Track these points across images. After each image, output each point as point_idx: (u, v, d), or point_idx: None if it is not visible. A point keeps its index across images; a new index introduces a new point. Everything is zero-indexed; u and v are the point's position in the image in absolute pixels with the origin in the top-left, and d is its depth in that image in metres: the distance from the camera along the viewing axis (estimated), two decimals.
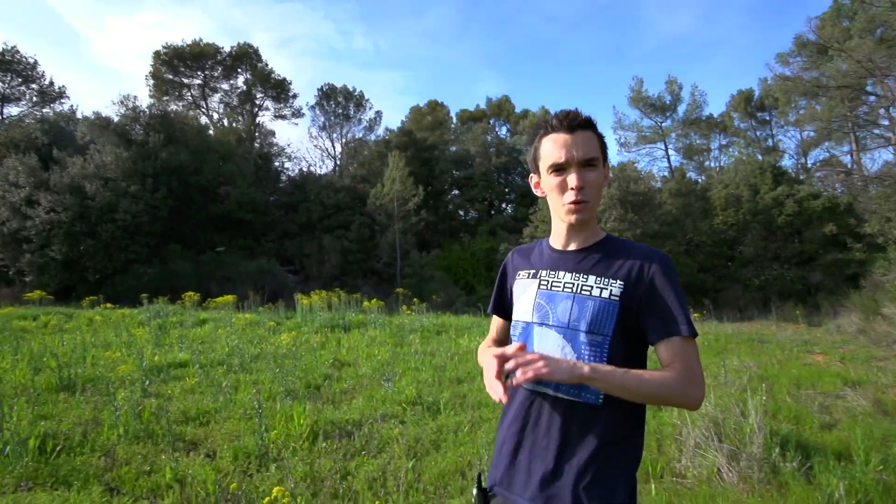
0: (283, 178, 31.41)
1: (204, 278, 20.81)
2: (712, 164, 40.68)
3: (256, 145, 33.62)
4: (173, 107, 30.73)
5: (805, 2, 56.35)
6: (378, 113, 40.29)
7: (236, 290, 17.66)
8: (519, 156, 35.28)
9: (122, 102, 23.59)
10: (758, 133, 40.95)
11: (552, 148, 1.26)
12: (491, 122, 43.92)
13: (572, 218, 1.27)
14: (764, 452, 3.48)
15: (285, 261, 25.68)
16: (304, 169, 34.18)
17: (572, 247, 1.32)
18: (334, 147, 37.91)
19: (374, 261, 25.60)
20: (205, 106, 35.17)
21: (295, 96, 36.37)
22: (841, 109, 32.22)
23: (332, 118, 37.43)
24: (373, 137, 36.82)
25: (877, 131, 33.77)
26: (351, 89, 37.59)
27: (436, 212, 30.22)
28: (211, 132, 30.24)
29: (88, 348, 7.41)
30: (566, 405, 1.22)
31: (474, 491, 1.34)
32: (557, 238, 1.36)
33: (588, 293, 1.22)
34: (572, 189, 1.23)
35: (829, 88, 31.68)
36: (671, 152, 38.65)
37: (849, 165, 35.97)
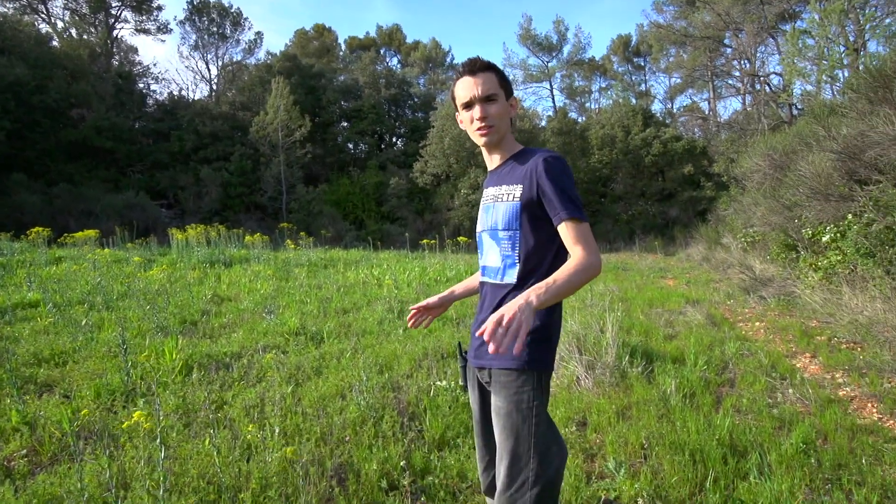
0: (150, 101, 28.18)
1: (60, 213, 18.52)
2: (593, 106, 42.80)
3: (115, 63, 29.57)
4: (1, 9, 25.83)
5: None
6: (258, 34, 36.93)
7: (100, 225, 15.97)
8: (410, 88, 34.51)
9: None
10: (633, 77, 43.55)
11: (460, 90, 1.57)
12: (381, 51, 42.22)
13: (482, 141, 1.58)
14: (616, 361, 3.96)
15: (157, 194, 23.52)
16: (175, 93, 30.85)
17: (495, 164, 1.64)
18: (209, 70, 34.50)
19: (257, 195, 24.28)
20: (44, 11, 29.94)
21: (160, 8, 32.11)
22: (703, 59, 35.09)
23: (206, 37, 33.70)
24: (253, 61, 33.89)
25: (730, 81, 37.40)
26: (227, 5, 33.91)
27: (324, 144, 29.04)
28: (56, 43, 25.99)
29: None
30: (499, 288, 1.55)
31: (458, 359, 1.74)
32: (487, 161, 1.69)
33: (501, 199, 1.55)
34: (477, 119, 1.54)
35: (695, 38, 34.22)
36: (556, 92, 39.93)
37: (706, 112, 39.77)
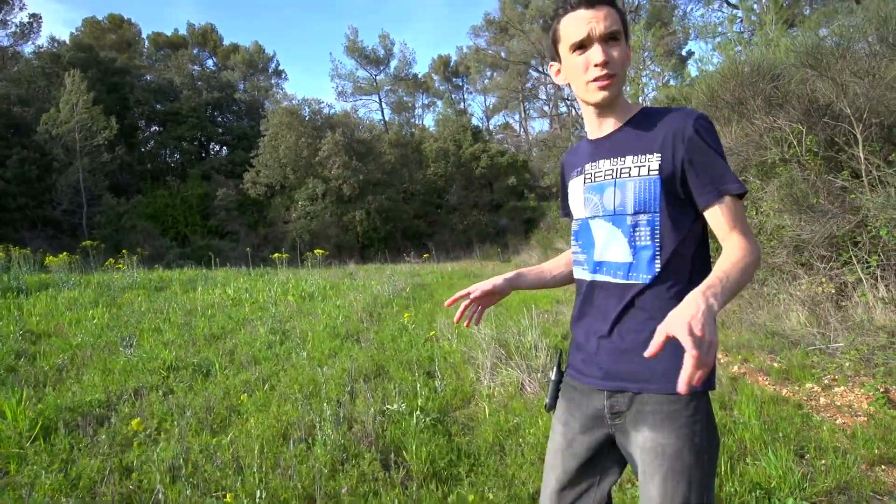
0: None
1: None
2: (417, 121, 44.20)
3: None
4: None
5: None
6: (35, 17, 30.71)
7: None
8: (233, 93, 31.99)
9: None
10: (454, 96, 46.09)
11: (573, 25, 1.19)
12: (195, 51, 38.43)
13: (599, 97, 1.19)
14: (548, 363, 3.95)
15: None
16: None
17: (606, 131, 1.27)
18: None
19: (47, 207, 20.13)
20: None
21: None
22: (516, 83, 38.68)
23: None
24: (29, 49, 28.24)
25: (538, 104, 41.80)
26: None
27: (132, 150, 25.33)
28: None
29: None
30: (619, 288, 1.21)
31: (553, 371, 1.37)
32: (591, 126, 1.31)
33: (627, 174, 1.19)
34: (596, 66, 1.16)
35: (509, 63, 37.56)
36: (384, 106, 40.45)
37: (518, 131, 43.85)
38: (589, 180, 1.28)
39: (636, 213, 1.18)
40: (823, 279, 4.82)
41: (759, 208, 5.79)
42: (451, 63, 44.15)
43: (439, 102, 43.50)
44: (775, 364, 4.15)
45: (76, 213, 20.17)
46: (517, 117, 44.74)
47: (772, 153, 5.53)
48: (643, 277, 1.18)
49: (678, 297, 1.12)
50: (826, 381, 3.67)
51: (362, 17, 72.95)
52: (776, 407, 3.21)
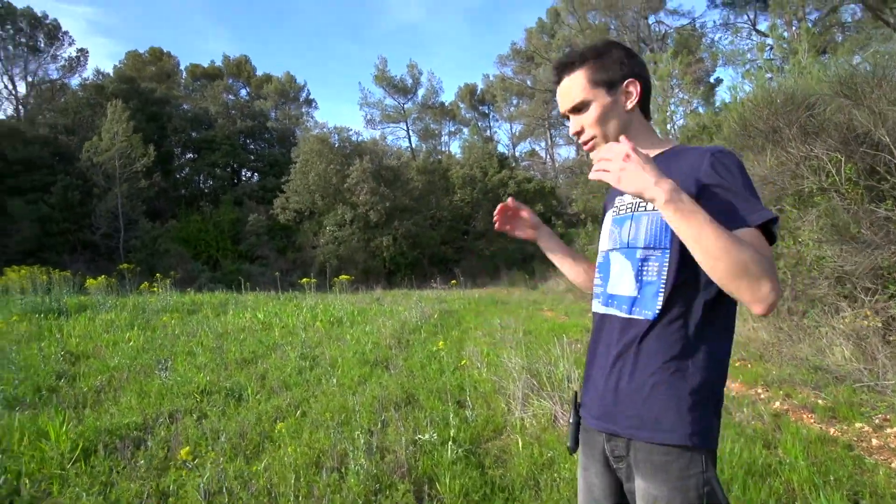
0: None
1: None
2: (444, 148, 44.72)
3: None
4: None
5: (510, 13, 66.03)
6: (82, 51, 32.43)
7: None
8: (265, 121, 32.97)
9: None
10: (480, 123, 46.59)
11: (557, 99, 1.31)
12: (230, 81, 39.88)
13: (591, 156, 1.26)
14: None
15: None
16: None
17: None
18: (15, 87, 29.40)
19: (87, 232, 20.87)
20: None
21: None
22: (542, 111, 38.98)
23: (12, 48, 28.86)
24: (76, 81, 29.71)
25: (564, 130, 41.90)
26: (40, 15, 29.53)
27: (168, 176, 26.20)
28: None
29: None
30: (624, 323, 1.18)
31: (572, 412, 1.34)
32: None
33: (644, 209, 1.19)
34: (573, 135, 1.29)
35: (535, 91, 37.92)
36: (411, 133, 41.12)
37: (545, 157, 44.03)
38: (615, 213, 1.29)
39: (646, 247, 1.16)
40: (868, 312, 4.65)
41: (797, 238, 5.65)
42: (478, 91, 44.77)
43: (465, 130, 44.03)
44: (820, 401, 3.98)
45: (114, 237, 20.85)
46: (543, 144, 44.90)
47: (809, 182, 5.42)
48: (646, 314, 1.14)
49: (681, 341, 1.10)
50: (877, 421, 3.51)
51: (391, 47, 74.88)
52: (824, 447, 3.07)
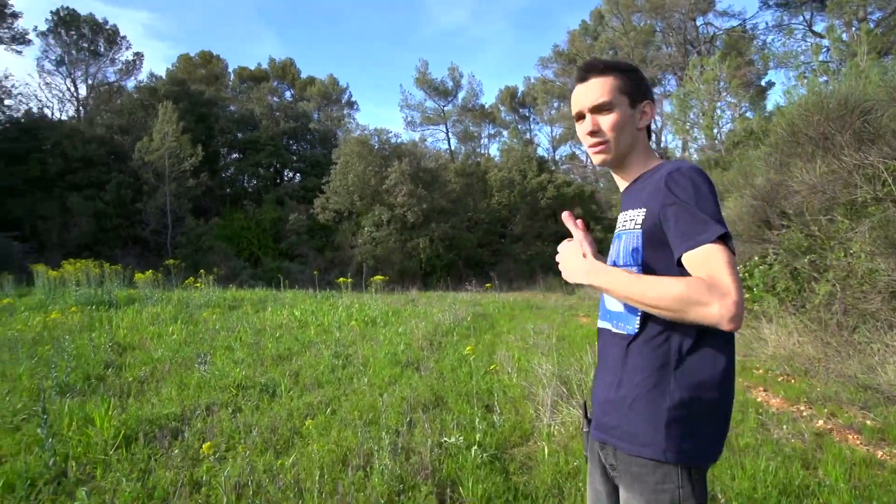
0: (2, 118, 24.51)
1: None
2: (483, 151, 44.64)
3: None
4: None
5: (553, 16, 65.47)
6: (138, 55, 33.93)
7: None
8: (308, 123, 33.68)
9: None
10: (520, 126, 46.30)
11: (573, 99, 1.33)
12: (275, 84, 40.95)
13: (597, 160, 1.32)
14: None
15: (7, 225, 20.19)
16: (35, 110, 27.22)
17: (622, 185, 1.36)
18: (76, 89, 30.97)
19: (138, 227, 21.81)
20: None
21: (15, 15, 28.48)
22: None
23: (75, 52, 30.41)
24: (131, 83, 31.09)
25: None
26: (101, 21, 31.01)
27: (214, 176, 27.10)
28: None
29: None
30: (615, 337, 1.24)
31: (583, 423, 1.39)
32: (616, 182, 1.41)
33: (624, 228, 1.27)
34: (587, 134, 1.30)
35: None
36: (450, 135, 41.23)
37: (585, 161, 43.39)
38: (616, 230, 1.35)
39: (624, 265, 1.22)
40: None
41: (847, 250, 5.40)
42: (518, 94, 44.51)
43: (505, 132, 43.83)
44: (868, 422, 3.79)
45: (162, 233, 21.71)
46: (583, 148, 44.27)
47: (862, 191, 5.17)
48: (628, 328, 1.20)
49: (663, 357, 1.14)
50: None
51: (433, 50, 75.37)
52: (869, 470, 2.92)
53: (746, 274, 7.48)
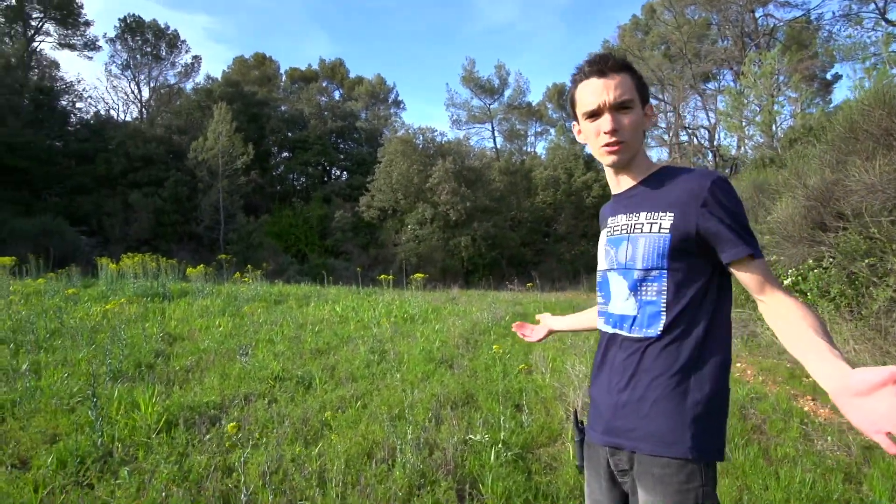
0: (74, 120, 26.15)
1: None
2: (529, 149, 44.20)
3: (33, 77, 27.37)
4: None
5: (604, 11, 64.08)
6: (196, 58, 35.49)
7: (6, 252, 14.30)
8: (355, 122, 34.30)
9: None
10: (567, 124, 45.47)
11: (587, 94, 1.27)
12: (324, 84, 41.91)
13: (609, 160, 1.28)
14: None
15: (77, 220, 21.55)
16: (103, 113, 28.89)
17: (624, 187, 1.33)
18: (140, 91, 32.68)
19: (193, 224, 22.84)
20: None
21: (88, 23, 30.32)
22: None
23: (139, 57, 32.10)
24: (189, 85, 32.55)
25: (657, 132, 40.10)
26: (163, 26, 32.58)
27: (264, 174, 28.03)
28: None
29: None
30: (628, 341, 1.23)
31: (575, 433, 1.39)
32: (611, 183, 1.38)
33: (640, 230, 1.23)
34: (605, 133, 1.24)
35: None
36: (496, 134, 41.01)
37: None
38: (609, 234, 1.34)
39: (644, 268, 1.20)
40: None
41: None
42: (566, 91, 43.78)
43: (552, 130, 43.23)
44: None
45: (214, 229, 22.65)
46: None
47: None
48: (647, 332, 1.20)
49: (683, 357, 1.15)
50: None
51: (479, 47, 75.24)
52: None
53: (800, 278, 7.13)
